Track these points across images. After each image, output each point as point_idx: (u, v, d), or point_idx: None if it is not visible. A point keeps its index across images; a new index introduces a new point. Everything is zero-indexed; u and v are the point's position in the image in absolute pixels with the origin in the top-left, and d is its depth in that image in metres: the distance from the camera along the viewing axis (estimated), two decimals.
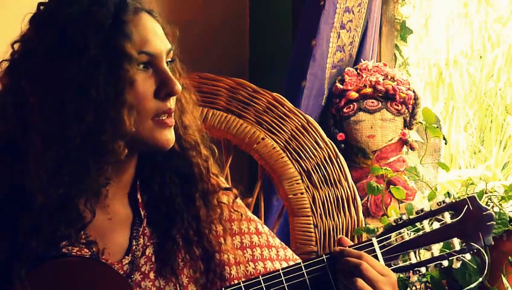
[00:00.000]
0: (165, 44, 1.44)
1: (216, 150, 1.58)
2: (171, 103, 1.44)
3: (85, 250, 1.43)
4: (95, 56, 1.36)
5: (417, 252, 1.51)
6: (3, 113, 1.41)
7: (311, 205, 2.11)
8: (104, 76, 1.36)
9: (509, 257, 2.08)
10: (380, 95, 2.44)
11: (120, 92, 1.36)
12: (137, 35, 1.40)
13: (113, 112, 1.36)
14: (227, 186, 1.60)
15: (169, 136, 1.44)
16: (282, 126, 2.15)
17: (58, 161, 1.35)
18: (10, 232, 1.36)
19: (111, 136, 1.36)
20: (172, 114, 1.45)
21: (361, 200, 2.20)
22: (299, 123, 2.16)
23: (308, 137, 2.15)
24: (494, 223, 1.51)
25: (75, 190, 1.37)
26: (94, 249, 1.43)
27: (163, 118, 1.43)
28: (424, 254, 1.53)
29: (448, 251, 1.51)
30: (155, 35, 1.43)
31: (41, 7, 1.43)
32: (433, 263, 1.51)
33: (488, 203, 2.09)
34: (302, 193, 2.11)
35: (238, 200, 1.61)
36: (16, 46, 1.43)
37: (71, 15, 1.38)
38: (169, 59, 1.46)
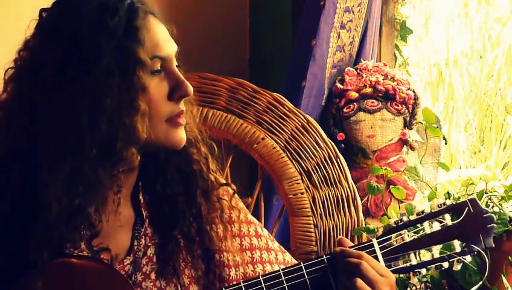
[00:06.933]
0: (173, 46, 1.45)
1: (215, 147, 1.58)
2: (183, 104, 1.44)
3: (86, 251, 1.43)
4: (108, 65, 1.35)
5: (417, 253, 1.52)
6: (10, 121, 1.40)
7: (311, 205, 2.11)
8: (118, 85, 1.35)
9: (509, 257, 2.08)
10: (380, 95, 2.44)
11: (133, 100, 1.36)
12: (149, 41, 1.39)
13: (127, 120, 1.36)
14: (225, 182, 1.60)
15: (182, 136, 1.45)
16: (282, 126, 2.15)
17: (73, 172, 1.35)
18: (18, 243, 1.36)
19: (124, 144, 1.36)
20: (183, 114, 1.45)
21: (361, 200, 2.20)
22: (299, 123, 2.16)
23: (308, 137, 2.15)
24: (495, 225, 1.51)
25: (88, 199, 1.37)
26: (106, 257, 1.43)
27: (176, 118, 1.44)
28: (425, 255, 1.53)
29: (448, 253, 1.51)
30: (164, 39, 1.43)
31: (44, 13, 1.42)
32: (434, 265, 1.51)
33: (488, 203, 2.09)
34: (302, 193, 2.11)
35: (236, 196, 1.61)
36: (22, 54, 1.41)
37: (83, 25, 1.37)
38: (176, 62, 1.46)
